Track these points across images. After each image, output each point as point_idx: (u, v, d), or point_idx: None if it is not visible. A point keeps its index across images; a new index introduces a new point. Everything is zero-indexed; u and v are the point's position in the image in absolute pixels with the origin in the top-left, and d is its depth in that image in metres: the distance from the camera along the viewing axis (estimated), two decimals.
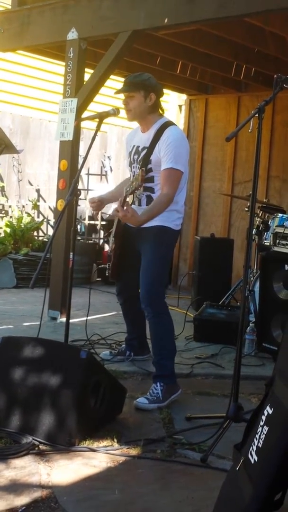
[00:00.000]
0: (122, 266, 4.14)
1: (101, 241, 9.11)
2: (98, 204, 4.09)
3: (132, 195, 3.81)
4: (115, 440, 3.09)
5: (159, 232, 3.79)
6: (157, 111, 3.87)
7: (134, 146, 3.94)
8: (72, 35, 5.74)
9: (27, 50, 6.95)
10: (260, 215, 5.74)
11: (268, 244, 5.11)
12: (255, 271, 5.72)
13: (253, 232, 5.31)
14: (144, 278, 3.79)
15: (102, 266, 3.94)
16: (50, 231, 9.65)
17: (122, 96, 3.87)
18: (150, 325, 3.83)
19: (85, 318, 4.58)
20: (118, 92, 3.85)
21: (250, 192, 3.20)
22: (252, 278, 5.51)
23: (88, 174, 9.72)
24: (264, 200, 6.30)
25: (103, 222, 9.23)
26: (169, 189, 3.70)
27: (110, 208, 9.13)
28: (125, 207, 3.55)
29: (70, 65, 5.78)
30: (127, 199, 3.73)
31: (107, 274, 4.26)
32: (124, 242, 4.07)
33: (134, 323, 4.44)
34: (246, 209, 5.83)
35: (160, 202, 3.72)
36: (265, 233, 5.30)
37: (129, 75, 3.94)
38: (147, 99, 3.79)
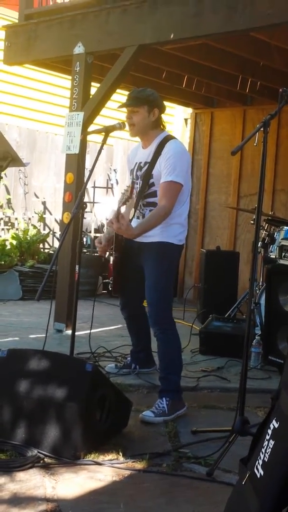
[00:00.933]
0: (124, 280, 4.12)
1: (107, 254, 9.11)
2: (104, 248, 4.07)
3: (133, 208, 3.81)
4: (121, 454, 3.08)
5: (161, 248, 3.78)
6: (159, 127, 3.89)
7: (136, 163, 3.95)
8: (79, 49, 5.78)
9: (33, 64, 7.00)
10: (265, 228, 5.74)
11: (273, 257, 5.11)
12: (261, 284, 5.71)
13: (258, 245, 5.31)
14: (150, 297, 3.80)
15: (106, 281, 3.93)
16: (56, 244, 9.67)
17: (125, 109, 3.89)
18: (157, 341, 3.83)
19: (90, 331, 4.58)
20: (122, 106, 3.87)
21: (256, 205, 3.20)
22: (258, 291, 5.50)
23: (94, 187, 9.74)
24: (270, 213, 6.30)
25: None
26: (167, 202, 3.68)
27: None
28: (120, 220, 3.54)
29: (77, 79, 5.82)
30: (129, 214, 3.73)
31: (110, 289, 4.25)
32: (125, 256, 4.05)
33: (139, 337, 4.44)
34: (252, 222, 5.83)
35: (156, 214, 3.70)
36: (271, 246, 5.30)
37: (132, 90, 3.95)
38: (150, 114, 3.81)
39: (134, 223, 3.82)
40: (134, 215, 3.92)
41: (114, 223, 3.54)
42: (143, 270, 3.89)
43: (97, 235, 9.33)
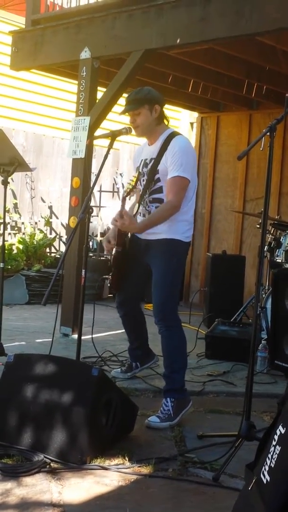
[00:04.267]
0: (124, 277, 4.10)
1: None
2: (113, 246, 4.08)
3: (137, 204, 3.79)
4: (127, 459, 3.08)
5: (168, 245, 3.77)
6: (162, 122, 3.89)
7: (142, 160, 3.95)
8: (85, 54, 5.79)
9: (40, 69, 7.02)
10: (272, 232, 5.73)
11: (280, 261, 5.11)
12: (267, 288, 5.71)
13: (265, 249, 5.31)
14: (157, 293, 3.78)
15: (105, 276, 3.91)
16: (63, 248, 9.68)
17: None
18: (162, 338, 3.80)
19: (97, 335, 4.59)
20: (124, 112, 3.88)
21: (262, 209, 3.20)
22: (264, 295, 5.49)
23: (100, 191, 9.76)
24: (276, 217, 6.29)
25: None
26: (174, 197, 3.67)
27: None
28: (123, 216, 3.53)
29: (83, 84, 5.83)
30: (133, 209, 3.71)
31: (108, 285, 4.25)
32: (127, 253, 4.03)
33: (135, 332, 4.41)
34: (258, 226, 5.83)
35: (163, 209, 3.70)
36: (277, 250, 5.30)
37: (129, 93, 3.95)
38: (152, 112, 3.82)
39: (138, 220, 3.83)
40: (138, 210, 3.91)
41: (118, 220, 3.54)
42: (147, 268, 3.89)
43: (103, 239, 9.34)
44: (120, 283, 4.14)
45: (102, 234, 9.34)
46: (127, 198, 3.78)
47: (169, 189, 3.71)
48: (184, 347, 3.86)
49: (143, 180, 3.90)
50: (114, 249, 4.11)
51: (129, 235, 4.06)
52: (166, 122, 3.92)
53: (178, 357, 3.81)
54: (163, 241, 3.77)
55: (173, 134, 3.84)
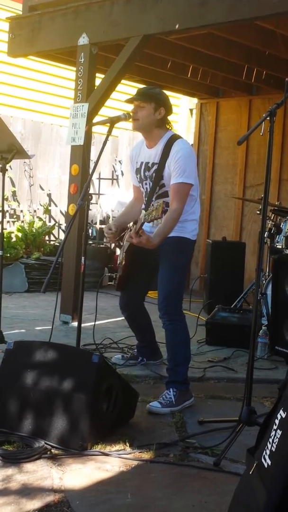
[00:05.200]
0: (130, 278, 4.12)
1: (113, 245, 9.11)
2: (115, 234, 4.07)
3: (152, 223, 3.76)
4: (128, 444, 3.08)
5: (178, 243, 3.82)
6: (164, 126, 3.89)
7: (142, 162, 3.95)
8: (83, 40, 5.76)
9: (38, 55, 6.97)
10: (272, 218, 5.72)
11: (280, 247, 5.10)
12: (267, 274, 5.70)
13: (265, 235, 5.30)
14: (163, 287, 3.80)
15: (110, 274, 3.92)
16: (62, 236, 9.67)
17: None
18: (166, 333, 3.83)
19: (97, 322, 4.59)
20: (129, 100, 3.86)
21: (262, 195, 3.19)
22: (264, 281, 5.49)
23: (99, 178, 9.73)
24: (276, 203, 6.28)
25: None
26: (178, 204, 3.71)
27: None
28: (140, 234, 3.52)
29: (81, 70, 5.80)
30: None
31: (113, 284, 4.25)
32: (135, 257, 4.03)
33: (143, 332, 4.46)
34: (258, 212, 5.82)
35: (170, 219, 3.71)
36: (277, 236, 5.29)
37: (141, 87, 4.00)
38: (156, 112, 3.81)
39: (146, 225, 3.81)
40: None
41: (134, 238, 3.53)
42: (154, 266, 3.91)
43: (103, 226, 9.33)
44: (125, 284, 4.16)
45: (102, 222, 9.33)
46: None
47: (173, 195, 3.74)
48: (187, 341, 3.88)
49: (146, 184, 3.93)
50: (123, 256, 4.09)
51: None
52: (168, 127, 3.91)
53: (181, 351, 3.82)
54: (173, 239, 3.80)
55: (174, 138, 3.84)
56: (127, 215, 4.18)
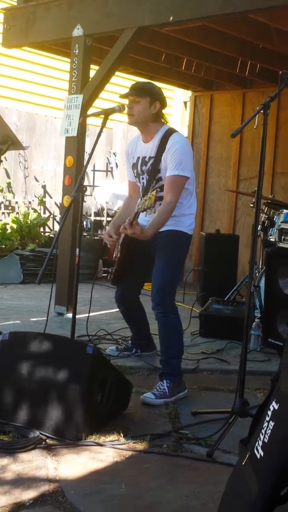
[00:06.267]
0: (125, 272, 4.13)
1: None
2: (115, 242, 4.06)
3: (145, 212, 3.78)
4: (122, 435, 3.11)
5: (175, 237, 3.85)
6: (159, 120, 3.90)
7: (139, 157, 3.96)
8: (78, 31, 5.74)
9: (32, 46, 6.95)
10: (265, 211, 5.74)
11: (273, 240, 5.12)
12: (260, 267, 5.73)
13: (258, 228, 5.32)
14: (157, 278, 3.82)
15: (105, 269, 3.94)
16: (57, 227, 9.67)
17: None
18: (158, 325, 3.85)
19: (92, 314, 4.60)
20: (124, 96, 3.87)
21: (256, 188, 3.21)
22: (257, 274, 5.52)
23: (94, 170, 9.74)
24: (270, 196, 6.30)
25: (109, 218, 9.25)
26: (173, 196, 3.73)
27: (116, 205, 9.15)
28: (134, 225, 3.54)
29: (76, 62, 5.78)
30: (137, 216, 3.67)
31: (108, 279, 4.25)
32: (130, 249, 4.04)
33: (138, 325, 4.48)
34: (252, 205, 5.84)
35: (164, 211, 3.73)
36: (271, 229, 5.31)
37: (135, 82, 4.01)
38: (151, 106, 3.82)
39: (141, 218, 3.82)
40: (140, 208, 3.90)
41: (128, 229, 3.55)
42: (149, 260, 3.92)
43: (97, 218, 9.34)
44: (120, 278, 4.17)
45: (96, 214, 9.34)
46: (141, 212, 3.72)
47: (168, 187, 3.75)
48: (180, 334, 3.90)
49: (143, 179, 3.94)
50: (118, 249, 4.09)
51: None
52: (163, 122, 3.92)
53: (174, 344, 3.84)
54: (170, 232, 3.83)
55: (170, 131, 3.86)
56: (124, 215, 4.09)
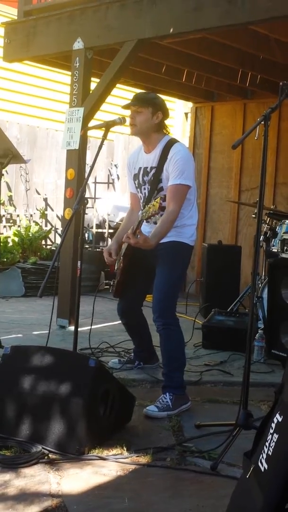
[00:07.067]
0: (127, 284, 4.12)
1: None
2: (115, 261, 4.07)
3: (149, 220, 3.77)
4: (125, 449, 3.08)
5: (176, 248, 3.83)
6: (161, 131, 3.90)
7: (140, 168, 3.96)
8: (78, 45, 5.77)
9: (33, 60, 6.99)
10: (267, 222, 5.73)
11: (275, 250, 5.11)
12: (263, 277, 5.71)
13: (260, 239, 5.31)
14: (158, 290, 3.80)
15: (107, 282, 3.94)
16: (58, 240, 9.67)
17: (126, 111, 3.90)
18: (160, 337, 3.83)
19: (94, 326, 4.59)
20: (126, 106, 3.87)
21: (257, 199, 3.20)
22: (260, 285, 5.50)
23: (95, 182, 9.75)
24: (271, 207, 6.29)
25: (111, 230, 9.25)
26: (175, 205, 3.72)
27: (118, 217, 9.15)
28: (138, 234, 3.53)
29: (76, 75, 5.81)
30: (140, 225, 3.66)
31: (110, 291, 4.23)
32: (132, 261, 4.03)
33: (140, 338, 4.46)
34: (254, 216, 5.83)
35: (167, 220, 3.72)
36: (273, 240, 5.30)
37: (137, 93, 4.02)
38: (154, 117, 3.83)
39: (144, 227, 3.81)
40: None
41: (131, 238, 3.54)
42: (151, 271, 3.91)
43: (99, 230, 9.35)
44: (122, 290, 4.15)
45: (98, 226, 9.35)
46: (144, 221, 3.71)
47: (170, 196, 3.74)
48: (182, 346, 3.88)
49: (145, 189, 3.93)
50: (120, 259, 4.08)
51: None
52: (165, 132, 3.93)
53: (176, 357, 3.83)
54: (171, 243, 3.81)
55: (172, 142, 3.86)
56: (126, 229, 4.07)
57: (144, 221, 3.75)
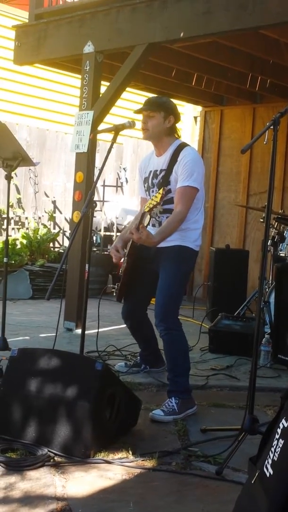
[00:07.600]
0: (131, 288, 4.11)
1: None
2: (121, 257, 4.06)
3: (149, 216, 3.78)
4: (130, 452, 3.08)
5: (180, 252, 3.82)
6: (173, 134, 3.91)
7: (151, 171, 3.97)
8: (89, 48, 5.79)
9: (43, 63, 7.01)
10: (275, 226, 5.73)
11: (283, 255, 5.11)
12: (270, 282, 5.70)
13: (268, 243, 5.31)
14: (161, 294, 3.80)
15: (111, 286, 3.94)
16: (66, 243, 9.69)
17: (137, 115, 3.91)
18: (163, 343, 3.82)
19: (101, 329, 4.59)
20: (139, 111, 3.89)
21: (266, 203, 3.20)
22: (267, 289, 5.49)
23: (104, 185, 9.77)
24: (280, 211, 6.28)
25: (119, 234, 9.26)
26: (183, 207, 3.72)
27: (126, 220, 9.16)
28: (140, 230, 3.54)
29: (86, 78, 5.82)
30: (144, 221, 3.67)
31: (114, 295, 4.22)
32: (136, 263, 4.03)
33: (145, 341, 4.46)
34: (262, 220, 5.83)
35: (173, 221, 3.73)
36: (281, 244, 5.30)
37: (149, 97, 4.03)
38: (166, 121, 3.84)
39: (149, 230, 3.82)
40: (149, 222, 3.91)
41: (134, 234, 3.54)
42: (155, 275, 3.90)
43: (107, 233, 9.36)
44: (126, 293, 4.14)
45: (106, 229, 9.36)
46: (147, 214, 3.72)
47: (179, 198, 3.74)
48: (186, 351, 3.88)
49: (153, 192, 3.93)
50: (125, 260, 4.08)
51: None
52: (176, 136, 3.94)
53: (180, 362, 3.82)
54: (175, 247, 3.81)
55: (182, 145, 3.87)
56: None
57: (150, 224, 3.75)
